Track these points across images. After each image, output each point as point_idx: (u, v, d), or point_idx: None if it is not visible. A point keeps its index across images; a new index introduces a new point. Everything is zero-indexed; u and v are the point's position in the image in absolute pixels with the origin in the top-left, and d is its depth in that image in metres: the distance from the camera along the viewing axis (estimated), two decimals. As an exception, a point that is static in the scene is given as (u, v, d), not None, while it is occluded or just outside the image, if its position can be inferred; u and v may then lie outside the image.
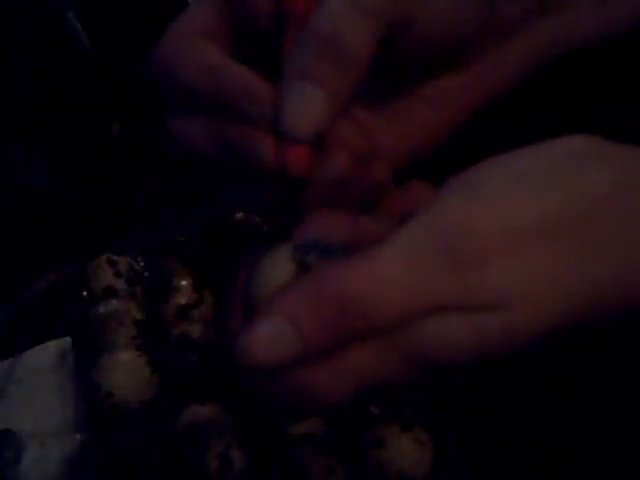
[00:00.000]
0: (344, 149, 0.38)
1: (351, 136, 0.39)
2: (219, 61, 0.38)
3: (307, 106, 0.36)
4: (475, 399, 0.42)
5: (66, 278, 0.49)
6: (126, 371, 0.44)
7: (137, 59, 0.41)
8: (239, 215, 0.49)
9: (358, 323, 0.31)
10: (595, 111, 0.47)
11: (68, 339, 0.47)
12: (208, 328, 0.46)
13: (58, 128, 0.54)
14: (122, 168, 0.54)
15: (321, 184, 0.38)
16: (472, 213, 0.31)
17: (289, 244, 0.34)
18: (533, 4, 0.42)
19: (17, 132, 0.54)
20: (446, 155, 0.43)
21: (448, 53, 0.41)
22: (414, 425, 0.41)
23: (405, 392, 0.41)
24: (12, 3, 0.53)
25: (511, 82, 0.43)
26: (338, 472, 0.41)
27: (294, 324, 0.31)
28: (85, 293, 0.47)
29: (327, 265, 0.32)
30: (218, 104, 0.37)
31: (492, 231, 0.31)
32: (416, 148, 0.43)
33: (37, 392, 0.46)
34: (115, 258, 0.48)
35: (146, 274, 0.49)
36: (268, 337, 0.31)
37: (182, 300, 0.47)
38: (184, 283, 0.47)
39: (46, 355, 0.47)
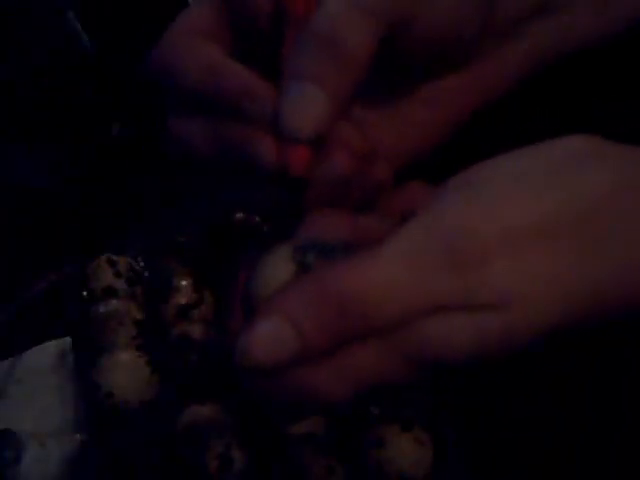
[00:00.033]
0: (344, 149, 0.38)
1: (351, 136, 0.39)
2: (219, 60, 0.38)
3: (307, 106, 0.36)
4: (475, 399, 0.42)
5: (66, 278, 0.49)
6: (126, 371, 0.44)
7: (137, 59, 0.41)
8: (239, 215, 0.49)
9: (358, 323, 0.31)
10: (595, 111, 0.47)
11: (68, 339, 0.47)
12: (208, 328, 0.46)
13: (58, 128, 0.54)
14: (122, 168, 0.54)
15: (322, 184, 0.38)
16: (472, 213, 0.31)
17: (289, 244, 0.34)
18: (533, 4, 0.42)
19: (17, 132, 0.54)
20: (445, 155, 0.43)
21: (448, 53, 0.41)
22: (414, 425, 0.41)
23: (405, 392, 0.41)
24: (12, 3, 0.53)
25: (511, 82, 0.43)
26: (338, 472, 0.41)
27: (294, 324, 0.31)
28: (85, 293, 0.47)
29: (327, 265, 0.32)
30: (218, 104, 0.37)
31: (492, 231, 0.31)
32: (416, 148, 0.43)
33: (37, 392, 0.46)
34: (115, 258, 0.48)
35: (146, 274, 0.49)
36: (268, 337, 0.31)
37: (182, 300, 0.47)
38: (184, 283, 0.47)
39: (46, 355, 0.47)
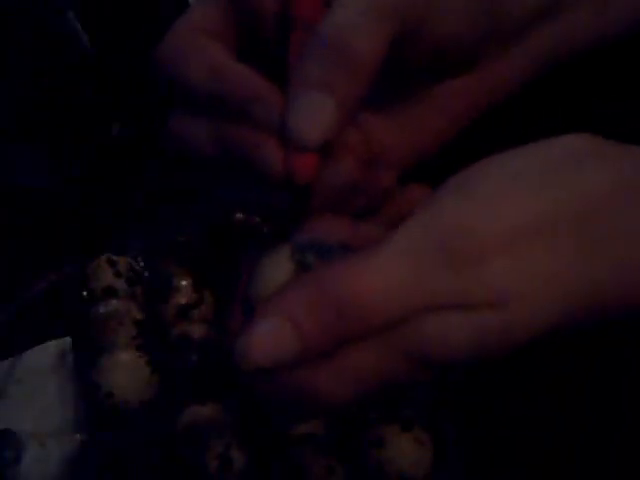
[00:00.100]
0: (350, 155, 0.38)
1: (356, 141, 0.39)
2: (224, 61, 0.38)
3: (315, 114, 0.35)
4: (475, 398, 0.42)
5: (66, 278, 0.49)
6: (126, 371, 0.44)
7: (137, 59, 0.41)
8: (239, 215, 0.49)
9: (357, 322, 0.31)
10: (595, 111, 0.47)
11: (68, 339, 0.47)
12: (208, 328, 0.46)
13: (58, 128, 0.54)
14: (122, 168, 0.54)
15: (326, 190, 0.37)
16: (470, 212, 0.31)
17: (288, 244, 0.34)
18: (537, 7, 0.42)
19: (17, 132, 0.54)
20: (446, 156, 0.43)
21: (455, 57, 0.41)
22: (414, 425, 0.41)
23: (405, 392, 0.41)
24: (12, 3, 0.53)
25: (515, 84, 0.43)
26: (338, 472, 0.41)
27: (293, 324, 0.31)
28: (85, 293, 0.47)
29: (326, 265, 0.32)
30: (222, 105, 0.37)
31: (490, 229, 0.31)
32: (420, 151, 0.43)
33: (37, 392, 0.46)
34: (115, 258, 0.48)
35: (146, 274, 0.49)
36: (267, 337, 0.31)
37: (182, 300, 0.47)
38: (184, 283, 0.47)
39: (46, 355, 0.47)
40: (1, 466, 0.42)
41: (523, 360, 0.33)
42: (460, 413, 0.42)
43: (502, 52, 0.42)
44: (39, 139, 0.54)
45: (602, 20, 0.44)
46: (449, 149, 0.43)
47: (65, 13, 0.53)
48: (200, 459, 0.41)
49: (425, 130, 0.42)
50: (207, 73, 0.37)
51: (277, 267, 0.33)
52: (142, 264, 0.49)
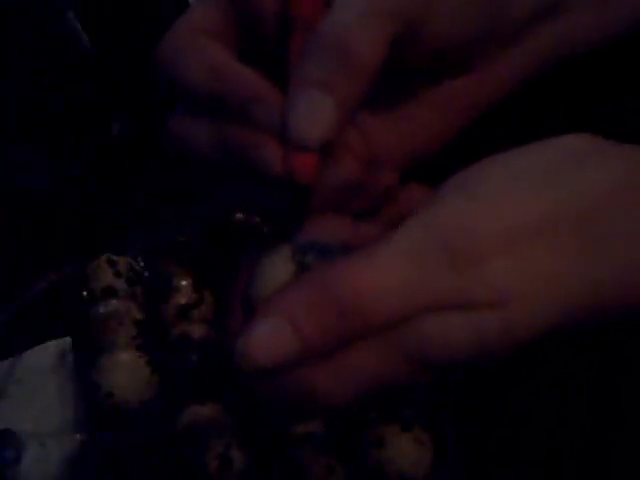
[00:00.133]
0: (350, 155, 0.38)
1: (357, 141, 0.39)
2: (224, 62, 0.38)
3: (315, 114, 0.35)
4: (475, 398, 0.42)
5: (66, 278, 0.49)
6: (126, 371, 0.44)
7: (137, 59, 0.41)
8: (239, 215, 0.49)
9: (357, 322, 0.31)
10: (595, 111, 0.47)
11: (68, 339, 0.47)
12: (208, 328, 0.46)
13: (58, 128, 0.54)
14: (122, 168, 0.54)
15: (327, 190, 0.37)
16: (471, 211, 0.31)
17: (289, 245, 0.34)
18: (537, 7, 0.42)
19: (17, 132, 0.54)
20: (446, 157, 0.43)
21: (455, 57, 0.41)
22: (414, 425, 0.41)
23: (405, 392, 0.41)
24: (12, 3, 0.53)
25: (515, 84, 0.43)
26: (338, 472, 0.41)
27: (293, 324, 0.31)
28: (85, 293, 0.47)
29: (326, 265, 0.32)
30: (222, 106, 0.37)
31: (491, 229, 0.31)
32: (420, 151, 0.43)
33: (37, 392, 0.46)
34: (115, 258, 0.48)
35: (146, 274, 0.49)
36: (267, 338, 0.31)
37: (182, 300, 0.47)
38: (184, 283, 0.47)
39: (46, 355, 0.47)
40: (1, 466, 0.42)
41: (523, 359, 0.33)
42: (460, 414, 0.42)
43: (501, 53, 0.42)
44: (39, 139, 0.54)
45: (602, 20, 0.44)
46: (449, 149, 0.43)
47: (65, 13, 0.53)
48: (200, 459, 0.41)
49: (425, 131, 0.42)
50: (207, 73, 0.37)
51: (277, 267, 0.33)
52: (142, 264, 0.49)
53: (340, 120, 0.35)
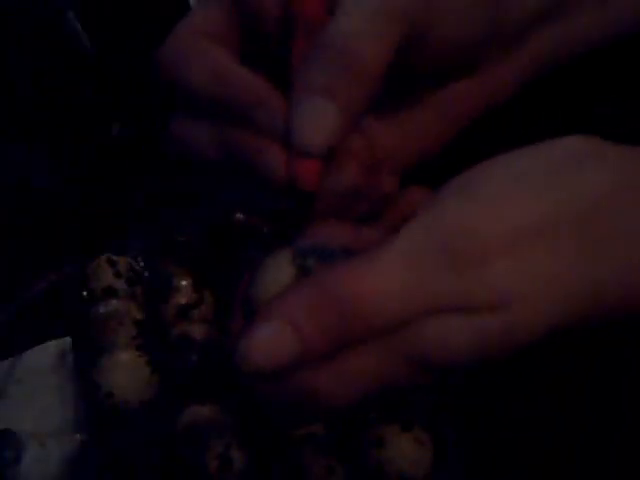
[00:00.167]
0: (354, 160, 0.38)
1: (360, 147, 0.39)
2: (227, 66, 0.37)
3: (319, 120, 0.35)
4: (475, 399, 0.42)
5: (66, 278, 0.49)
6: (126, 371, 0.44)
7: (137, 59, 0.40)
8: (239, 215, 0.49)
9: (358, 325, 0.31)
10: (595, 111, 0.47)
11: (68, 339, 0.47)
12: (208, 328, 0.46)
13: (58, 128, 0.54)
14: (122, 168, 0.54)
15: (330, 196, 0.37)
16: (472, 213, 0.31)
17: (290, 248, 0.34)
18: (538, 10, 0.42)
19: (17, 132, 0.54)
20: (446, 158, 0.43)
21: (459, 60, 0.41)
22: (414, 425, 0.41)
23: (405, 395, 0.41)
24: (12, 3, 0.53)
25: (516, 86, 0.43)
26: (338, 472, 0.41)
27: (294, 328, 0.31)
28: (85, 293, 0.47)
29: (327, 269, 0.32)
30: (225, 110, 0.37)
31: (492, 231, 0.31)
32: (421, 153, 0.43)
33: (37, 392, 0.46)
34: (115, 258, 0.48)
35: (146, 274, 0.49)
36: (268, 341, 0.31)
37: (182, 300, 0.47)
38: (184, 283, 0.47)
39: (46, 355, 0.47)
40: (1, 466, 0.42)
41: (523, 361, 0.33)
42: (460, 416, 0.42)
43: (503, 55, 0.42)
44: (39, 139, 0.54)
45: (602, 21, 0.44)
46: (449, 151, 0.43)
47: (65, 13, 0.53)
48: (200, 459, 0.41)
49: (427, 134, 0.42)
50: (210, 77, 0.37)
51: (278, 271, 0.33)
52: (142, 264, 0.49)
53: (344, 126, 0.35)
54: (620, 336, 0.40)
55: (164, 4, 0.53)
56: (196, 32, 0.38)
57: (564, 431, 0.42)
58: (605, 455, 0.41)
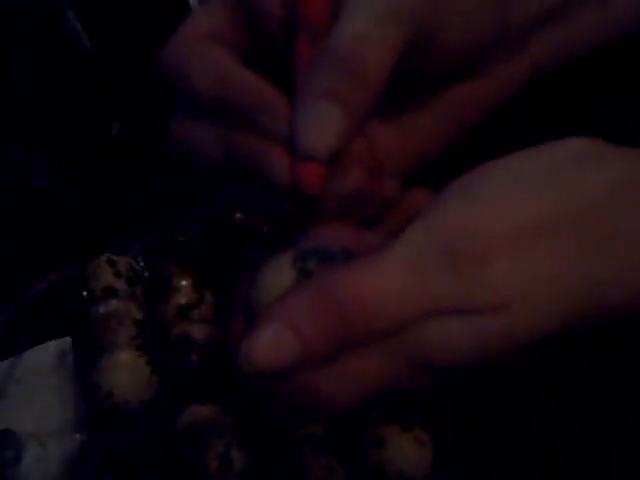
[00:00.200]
0: (357, 164, 0.38)
1: (363, 150, 0.39)
2: (230, 68, 0.37)
3: (323, 124, 0.35)
4: (475, 399, 0.42)
5: (66, 278, 0.49)
6: (126, 371, 0.44)
7: (137, 59, 0.40)
8: (239, 215, 0.49)
9: (359, 327, 0.31)
10: (595, 111, 0.47)
11: (68, 339, 0.47)
12: (208, 328, 0.46)
13: (58, 128, 0.54)
14: (122, 168, 0.54)
15: (333, 199, 0.37)
16: (472, 214, 0.31)
17: (291, 251, 0.34)
18: (542, 12, 0.42)
19: (17, 132, 0.54)
20: (447, 160, 0.43)
21: (464, 63, 0.41)
22: (414, 425, 0.41)
23: (406, 396, 0.41)
24: (12, 3, 0.53)
25: (518, 88, 0.43)
26: (338, 472, 0.41)
27: (295, 330, 0.31)
28: (85, 293, 0.47)
29: (328, 271, 0.32)
30: (228, 112, 0.37)
31: (492, 232, 0.31)
32: (423, 156, 0.43)
33: (37, 392, 0.46)
34: (115, 258, 0.48)
35: (146, 274, 0.49)
36: (269, 343, 0.31)
37: (182, 300, 0.47)
38: (184, 283, 0.47)
39: (46, 355, 0.47)
40: (1, 466, 0.42)
41: (523, 361, 0.33)
42: (460, 416, 0.42)
43: (506, 57, 0.42)
44: (39, 139, 0.54)
45: (602, 21, 0.44)
46: (450, 152, 0.43)
47: (65, 13, 0.53)
48: (200, 459, 0.41)
49: (429, 136, 0.42)
50: (212, 80, 0.37)
51: (279, 274, 0.33)
52: (142, 264, 0.49)
53: (348, 130, 0.35)
54: (620, 336, 0.40)
55: (164, 4, 0.53)
56: (199, 33, 0.38)
57: (564, 431, 0.42)
58: (605, 455, 0.41)
